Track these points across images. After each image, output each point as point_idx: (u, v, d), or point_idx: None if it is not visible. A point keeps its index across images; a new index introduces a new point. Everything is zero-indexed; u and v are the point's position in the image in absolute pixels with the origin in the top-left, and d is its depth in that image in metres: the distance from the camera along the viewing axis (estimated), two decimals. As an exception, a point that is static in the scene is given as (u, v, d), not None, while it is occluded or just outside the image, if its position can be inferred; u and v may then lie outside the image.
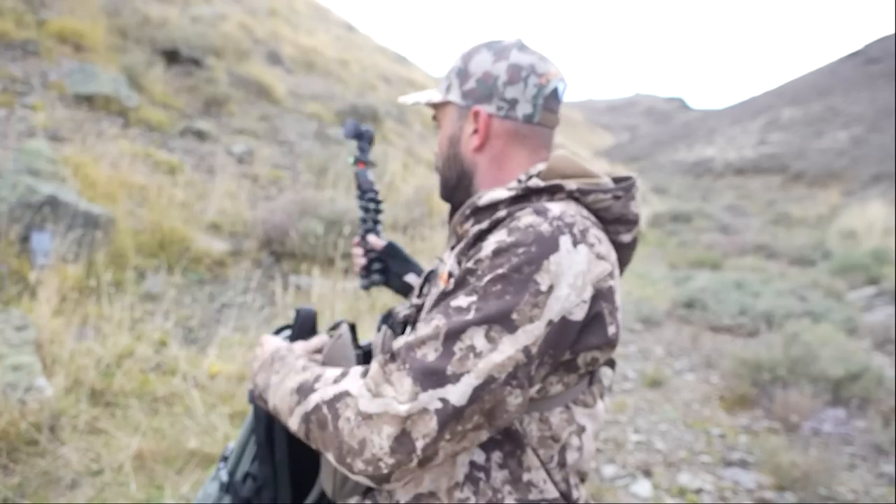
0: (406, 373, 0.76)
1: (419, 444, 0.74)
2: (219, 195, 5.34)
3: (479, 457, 0.86)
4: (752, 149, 32.30)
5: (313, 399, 0.83)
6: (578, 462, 0.91)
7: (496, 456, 0.86)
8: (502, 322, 0.76)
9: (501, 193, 0.90)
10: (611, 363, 0.98)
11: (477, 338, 0.75)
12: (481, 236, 0.86)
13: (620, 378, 4.33)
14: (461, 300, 0.78)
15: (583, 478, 0.98)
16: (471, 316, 0.76)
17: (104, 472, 2.26)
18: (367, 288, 1.36)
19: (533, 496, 0.86)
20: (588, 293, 0.80)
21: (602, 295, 0.82)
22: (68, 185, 4.08)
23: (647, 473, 2.99)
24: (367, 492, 0.94)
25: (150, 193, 4.78)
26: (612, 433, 3.42)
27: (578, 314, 0.79)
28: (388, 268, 1.37)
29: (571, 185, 0.89)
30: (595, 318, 0.82)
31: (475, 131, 0.99)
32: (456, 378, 0.74)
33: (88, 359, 2.79)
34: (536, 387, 0.84)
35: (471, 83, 0.99)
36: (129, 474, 2.24)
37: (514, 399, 0.76)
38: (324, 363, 1.01)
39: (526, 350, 0.76)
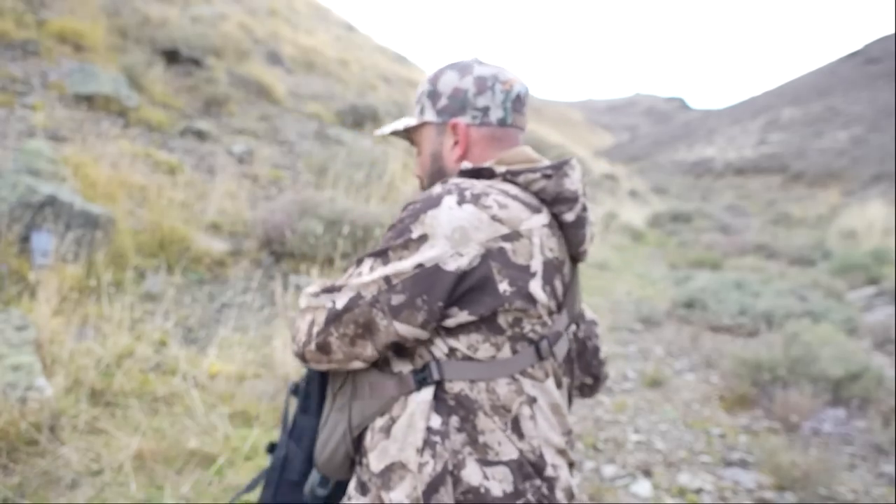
0: (322, 286, 1.02)
1: (314, 331, 0.99)
2: (219, 195, 5.34)
3: (435, 422, 0.94)
4: (752, 149, 32.30)
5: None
6: (538, 432, 0.96)
7: (454, 420, 0.94)
8: (381, 256, 0.95)
9: (438, 188, 1.02)
10: (557, 337, 1.01)
11: (364, 266, 0.97)
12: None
13: (620, 378, 4.33)
14: (361, 268, 0.98)
15: (570, 463, 1.01)
16: (368, 253, 0.98)
17: (104, 472, 2.26)
18: None
19: (490, 457, 0.93)
20: (471, 249, 0.90)
21: (492, 255, 0.91)
22: (68, 185, 4.08)
23: (647, 473, 2.99)
24: (351, 466, 1.06)
25: (150, 193, 4.78)
26: (612, 433, 3.42)
27: (452, 265, 0.90)
28: None
29: (501, 168, 1.00)
30: (485, 277, 0.91)
31: (455, 143, 1.07)
32: (340, 289, 0.97)
33: (88, 359, 2.79)
34: (462, 342, 0.94)
35: (443, 101, 1.07)
36: (129, 474, 2.24)
37: (381, 321, 0.93)
38: None
39: (387, 279, 0.92)
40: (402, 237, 0.93)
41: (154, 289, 3.85)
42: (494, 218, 0.91)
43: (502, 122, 1.07)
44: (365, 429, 1.01)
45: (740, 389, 3.91)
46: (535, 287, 0.94)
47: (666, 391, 4.12)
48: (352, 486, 1.03)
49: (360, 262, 0.99)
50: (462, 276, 0.90)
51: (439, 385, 0.95)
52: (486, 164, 1.02)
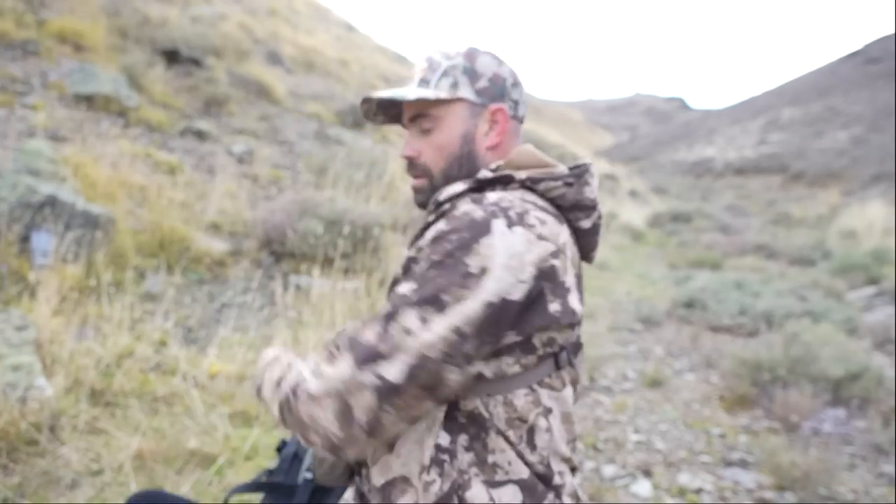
0: (348, 353, 0.82)
1: (362, 418, 0.80)
2: (219, 195, 5.33)
3: (444, 439, 0.89)
4: (752, 149, 32.31)
5: (284, 388, 0.88)
6: (551, 444, 0.92)
7: (462, 439, 0.89)
8: (433, 303, 0.80)
9: (458, 187, 0.96)
10: (577, 348, 0.99)
11: (411, 318, 0.80)
12: (427, 227, 0.93)
13: (620, 378, 4.33)
14: (404, 287, 0.84)
15: (573, 467, 0.99)
16: (408, 299, 0.82)
17: (104, 472, 2.26)
18: None
19: (499, 477, 0.88)
20: (528, 273, 0.84)
21: (544, 275, 0.86)
22: (68, 185, 4.08)
23: (647, 473, 2.99)
24: (350, 476, 1.02)
25: (150, 193, 4.78)
26: (612, 433, 3.42)
27: (517, 294, 0.82)
28: None
29: (521, 174, 0.95)
30: (537, 298, 0.86)
31: (490, 129, 1.02)
32: (391, 356, 0.79)
33: (88, 359, 2.79)
34: (491, 367, 0.87)
35: (483, 82, 1.00)
36: (129, 474, 2.24)
37: (454, 375, 0.81)
38: None
39: (457, 330, 0.79)
40: (457, 273, 0.81)
41: (154, 289, 3.85)
42: (540, 237, 0.87)
43: (522, 120, 1.07)
44: None
45: (740, 389, 3.91)
46: (574, 302, 0.91)
47: (666, 391, 4.12)
48: (349, 495, 1.02)
49: (393, 314, 0.82)
50: (526, 302, 0.84)
51: (453, 403, 0.90)
52: (498, 167, 0.98)
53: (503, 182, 0.95)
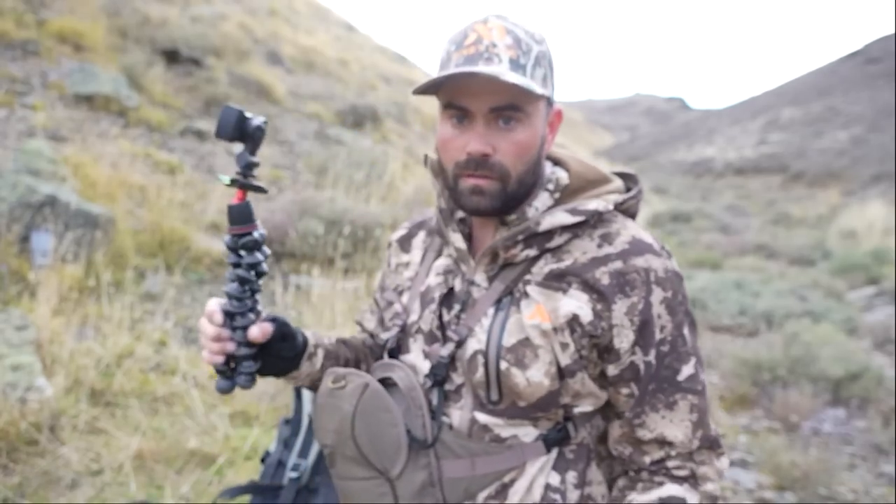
0: (714, 454, 0.89)
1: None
2: (219, 195, 5.33)
3: (554, 479, 0.89)
4: (752, 149, 32.30)
5: None
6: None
7: (570, 476, 0.90)
8: (701, 363, 0.92)
9: (562, 218, 0.86)
10: None
11: (704, 376, 0.92)
12: (532, 261, 0.89)
13: (620, 378, 4.33)
14: (686, 370, 0.88)
15: None
16: (703, 375, 0.90)
17: (104, 471, 2.26)
18: (227, 391, 0.95)
19: None
20: None
21: None
22: (68, 185, 4.08)
23: (647, 473, 2.99)
24: None
25: (150, 193, 4.78)
26: (612, 433, 3.42)
27: None
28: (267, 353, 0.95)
29: (618, 200, 0.92)
30: None
31: (550, 133, 0.92)
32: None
33: (88, 359, 2.79)
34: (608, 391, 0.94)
35: (554, 78, 0.89)
36: (129, 474, 2.24)
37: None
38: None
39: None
40: (694, 324, 0.92)
41: (154, 289, 3.85)
42: None
43: None
44: None
45: (740, 389, 3.91)
46: None
47: (666, 391, 4.12)
48: None
49: (703, 400, 0.89)
50: None
51: (565, 438, 0.91)
52: (568, 186, 0.92)
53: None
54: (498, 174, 0.85)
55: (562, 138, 29.82)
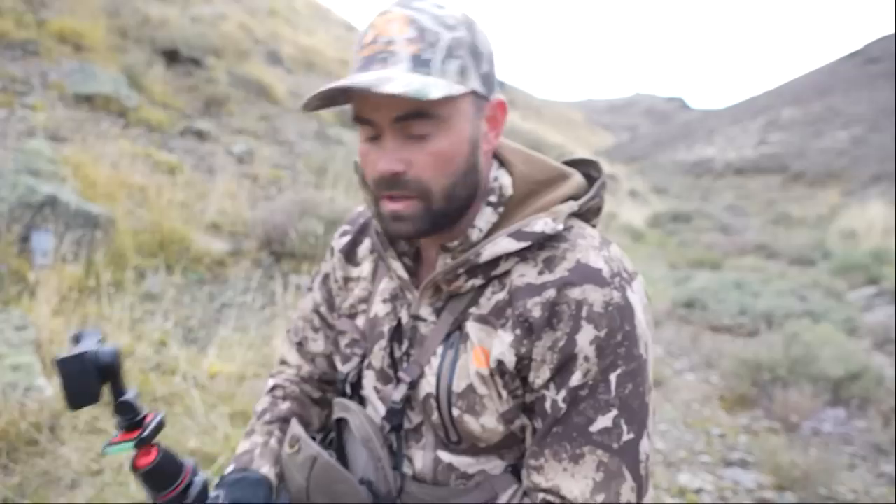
0: None
1: None
2: (219, 195, 5.34)
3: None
4: (752, 149, 32.31)
5: None
6: None
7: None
8: (649, 413, 0.75)
9: (505, 246, 0.76)
10: None
11: (644, 445, 0.74)
12: (478, 291, 0.80)
13: (620, 378, 4.33)
14: (601, 421, 0.72)
15: None
16: (629, 434, 0.72)
17: (104, 472, 2.26)
18: None
19: None
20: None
21: None
22: (68, 185, 4.08)
23: (647, 473, 2.99)
24: None
25: (150, 193, 4.78)
26: (612, 433, 3.42)
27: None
28: None
29: (573, 209, 0.80)
30: None
31: (490, 129, 0.80)
32: (646, 491, 0.75)
33: (88, 359, 2.78)
34: None
35: (485, 65, 0.76)
36: (129, 474, 2.24)
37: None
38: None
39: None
40: (645, 370, 0.75)
41: (154, 289, 3.85)
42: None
43: None
44: None
45: (740, 389, 3.91)
46: None
47: (666, 391, 4.12)
48: None
49: (633, 461, 0.73)
50: None
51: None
52: (515, 195, 0.81)
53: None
54: (416, 192, 0.74)
55: (562, 138, 29.86)
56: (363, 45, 0.73)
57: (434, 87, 0.67)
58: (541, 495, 0.76)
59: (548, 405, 0.75)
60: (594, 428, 0.72)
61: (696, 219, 15.17)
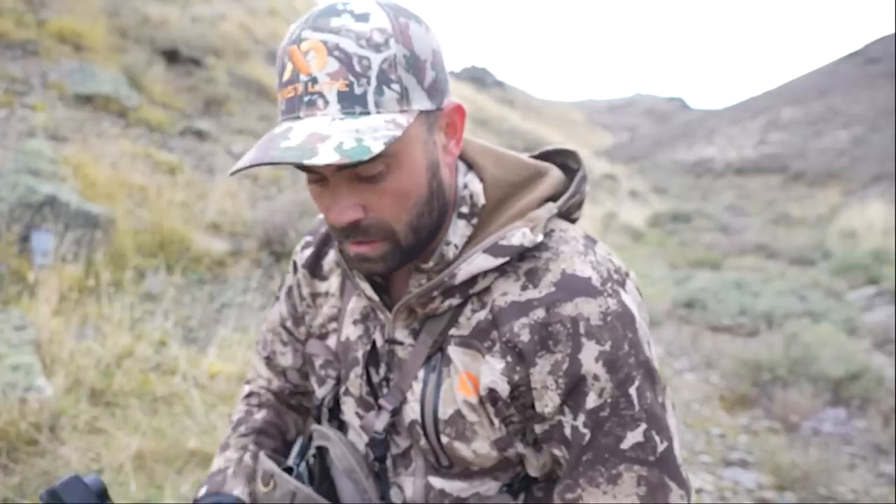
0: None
1: None
2: (219, 195, 5.34)
3: None
4: (752, 149, 32.31)
5: None
6: None
7: None
8: (668, 411, 0.72)
9: (482, 263, 0.70)
10: None
11: (677, 448, 0.70)
12: (463, 314, 0.74)
13: (620, 378, 4.33)
14: (631, 437, 0.68)
15: None
16: (662, 443, 0.69)
17: (104, 472, 2.26)
18: None
19: None
20: None
21: None
22: (68, 185, 4.08)
23: (647, 473, 2.99)
24: None
25: (150, 193, 4.78)
26: (612, 433, 3.42)
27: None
28: None
29: (553, 212, 0.74)
30: None
31: (449, 138, 0.71)
32: (691, 493, 0.72)
33: (88, 359, 2.78)
34: None
35: (429, 73, 0.65)
36: (129, 474, 2.24)
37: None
38: None
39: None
40: (655, 372, 0.71)
41: (154, 289, 3.85)
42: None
43: None
44: None
45: (740, 389, 3.91)
46: None
47: (666, 391, 4.12)
48: None
49: (674, 468, 0.69)
50: None
51: (532, 482, 0.82)
52: (489, 204, 0.75)
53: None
54: (380, 234, 0.68)
55: (562, 138, 29.83)
56: (282, 82, 0.64)
57: (372, 136, 0.58)
58: None
59: (568, 432, 0.70)
60: (625, 445, 0.68)
61: (695, 219, 15.18)
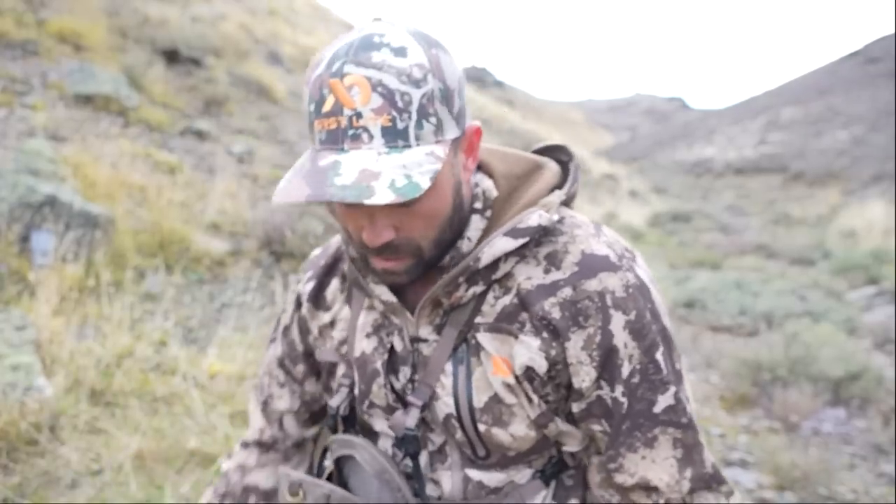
0: (715, 494, 0.76)
1: None
2: (219, 195, 5.34)
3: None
4: (752, 149, 32.31)
5: None
6: None
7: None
8: (684, 377, 0.79)
9: (504, 245, 0.73)
10: None
11: (693, 407, 0.78)
12: (488, 300, 0.77)
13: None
14: (663, 400, 0.74)
15: None
16: (686, 404, 0.76)
17: (104, 472, 2.26)
18: None
19: None
20: None
21: None
22: (68, 185, 4.08)
23: (647, 473, 2.98)
24: None
25: (149, 193, 4.78)
26: (612, 433, 3.42)
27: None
28: None
29: (562, 197, 0.78)
30: None
31: (469, 157, 0.76)
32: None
33: (88, 359, 2.78)
34: None
35: (457, 102, 0.70)
36: (129, 474, 2.24)
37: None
38: None
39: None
40: (672, 337, 0.77)
41: (154, 289, 3.85)
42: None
43: None
44: None
45: (740, 389, 3.91)
46: None
47: (666, 391, 4.12)
48: None
49: (694, 431, 0.76)
50: None
51: (563, 469, 0.86)
52: (497, 200, 0.79)
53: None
54: (409, 252, 0.73)
55: (562, 138, 29.80)
56: (323, 112, 0.65)
57: (418, 171, 0.63)
58: (633, 496, 0.76)
59: (610, 404, 0.74)
60: (657, 409, 0.74)
61: (695, 219, 15.19)
